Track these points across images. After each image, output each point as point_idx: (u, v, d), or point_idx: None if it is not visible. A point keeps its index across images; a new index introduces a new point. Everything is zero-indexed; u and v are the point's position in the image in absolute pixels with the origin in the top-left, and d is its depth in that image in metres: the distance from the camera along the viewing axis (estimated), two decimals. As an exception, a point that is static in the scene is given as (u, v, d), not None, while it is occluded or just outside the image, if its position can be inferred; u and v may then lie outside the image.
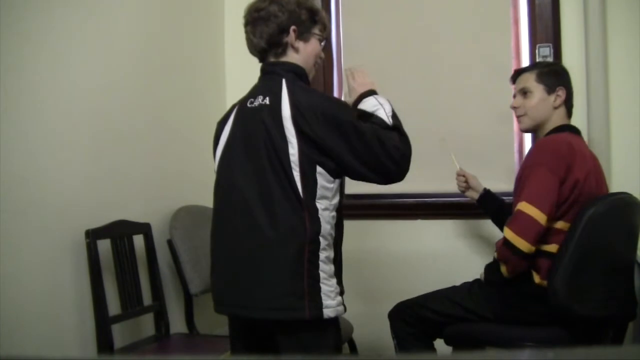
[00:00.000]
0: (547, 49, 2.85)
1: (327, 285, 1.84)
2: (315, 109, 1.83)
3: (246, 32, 2.00)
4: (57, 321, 2.16)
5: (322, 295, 1.82)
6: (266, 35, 1.94)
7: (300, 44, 1.96)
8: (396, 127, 1.88)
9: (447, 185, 3.04)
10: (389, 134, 1.86)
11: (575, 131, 2.33)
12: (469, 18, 3.04)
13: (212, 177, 3.18)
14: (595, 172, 2.24)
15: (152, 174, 2.68)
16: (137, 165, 2.59)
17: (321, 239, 1.84)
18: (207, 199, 3.00)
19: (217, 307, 1.99)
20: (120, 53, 2.53)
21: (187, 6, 3.00)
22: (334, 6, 3.19)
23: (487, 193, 2.62)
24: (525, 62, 2.95)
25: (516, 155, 3.00)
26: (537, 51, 2.87)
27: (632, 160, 2.70)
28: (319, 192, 1.84)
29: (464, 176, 2.65)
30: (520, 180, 2.21)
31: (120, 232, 2.41)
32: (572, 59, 2.79)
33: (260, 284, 1.84)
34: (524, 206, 2.11)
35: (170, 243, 2.66)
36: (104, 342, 2.24)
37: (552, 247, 2.16)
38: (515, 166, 2.98)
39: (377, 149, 1.82)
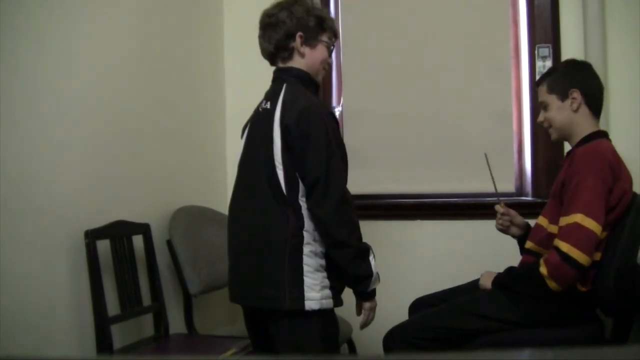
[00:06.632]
0: (547, 49, 2.85)
1: (311, 279, 1.93)
2: (299, 112, 1.92)
3: (259, 36, 2.11)
4: (56, 321, 2.16)
5: (305, 287, 1.92)
6: (274, 40, 2.06)
7: (306, 50, 2.06)
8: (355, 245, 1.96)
9: (446, 185, 3.05)
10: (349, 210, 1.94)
11: (607, 136, 2.28)
12: (468, 18, 3.04)
13: (211, 178, 3.20)
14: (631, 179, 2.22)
15: (151, 174, 2.68)
16: (137, 165, 2.59)
17: (305, 233, 1.94)
18: (206, 199, 3.02)
19: (229, 296, 2.14)
20: (119, 53, 2.52)
21: (186, 6, 3.00)
22: (333, 5, 3.18)
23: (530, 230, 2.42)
24: (525, 62, 2.95)
25: (515, 156, 3.00)
26: (536, 51, 2.87)
27: (632, 161, 2.68)
28: (302, 190, 1.94)
29: (508, 215, 2.42)
30: (567, 189, 2.11)
31: (119, 232, 2.41)
32: (572, 59, 2.79)
33: (250, 275, 1.99)
34: (580, 218, 2.03)
35: (169, 243, 2.66)
36: (104, 342, 2.24)
37: (597, 256, 2.12)
38: (514, 166, 2.99)
39: (332, 174, 1.90)
